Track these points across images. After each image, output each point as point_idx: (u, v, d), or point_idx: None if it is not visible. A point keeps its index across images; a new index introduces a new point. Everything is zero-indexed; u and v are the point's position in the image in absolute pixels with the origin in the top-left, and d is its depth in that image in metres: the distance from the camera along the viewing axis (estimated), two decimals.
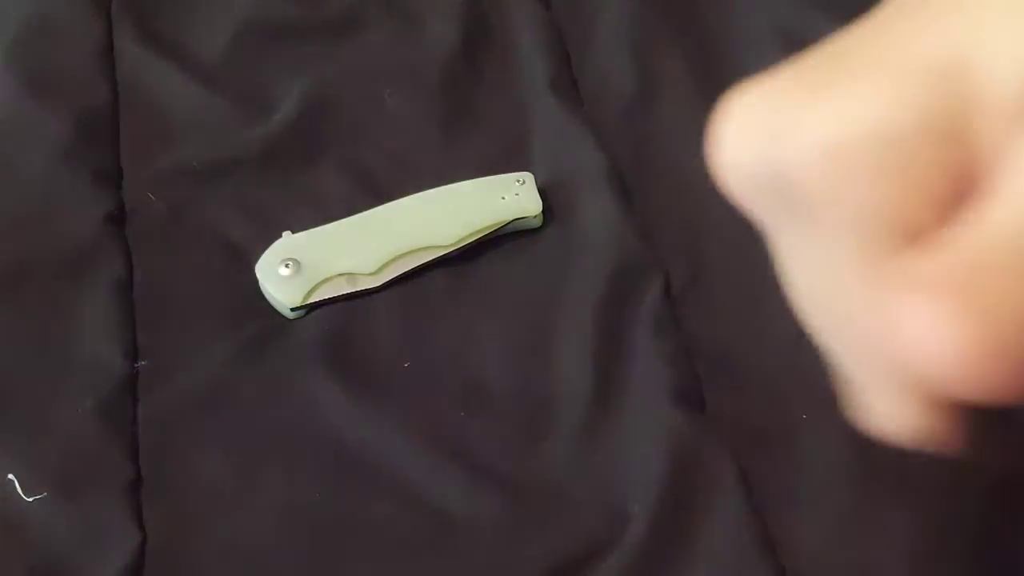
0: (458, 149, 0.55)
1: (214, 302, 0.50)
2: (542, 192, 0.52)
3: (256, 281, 0.50)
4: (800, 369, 0.47)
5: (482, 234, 0.50)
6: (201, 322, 0.49)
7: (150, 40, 0.59)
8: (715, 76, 0.57)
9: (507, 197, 0.51)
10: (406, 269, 0.50)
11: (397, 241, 0.50)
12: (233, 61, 0.58)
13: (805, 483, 0.44)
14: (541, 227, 0.52)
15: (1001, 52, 0.20)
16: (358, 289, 0.49)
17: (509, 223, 0.51)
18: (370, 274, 0.49)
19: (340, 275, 0.49)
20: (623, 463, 0.45)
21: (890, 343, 0.20)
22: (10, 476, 0.44)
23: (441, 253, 0.50)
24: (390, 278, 0.50)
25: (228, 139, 0.55)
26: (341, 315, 0.49)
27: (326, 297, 0.49)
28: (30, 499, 0.44)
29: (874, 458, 0.44)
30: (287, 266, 0.49)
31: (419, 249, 0.50)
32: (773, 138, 0.22)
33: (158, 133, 0.56)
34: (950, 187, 0.21)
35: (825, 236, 0.22)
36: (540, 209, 0.51)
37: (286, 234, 0.50)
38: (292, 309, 0.49)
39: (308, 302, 0.49)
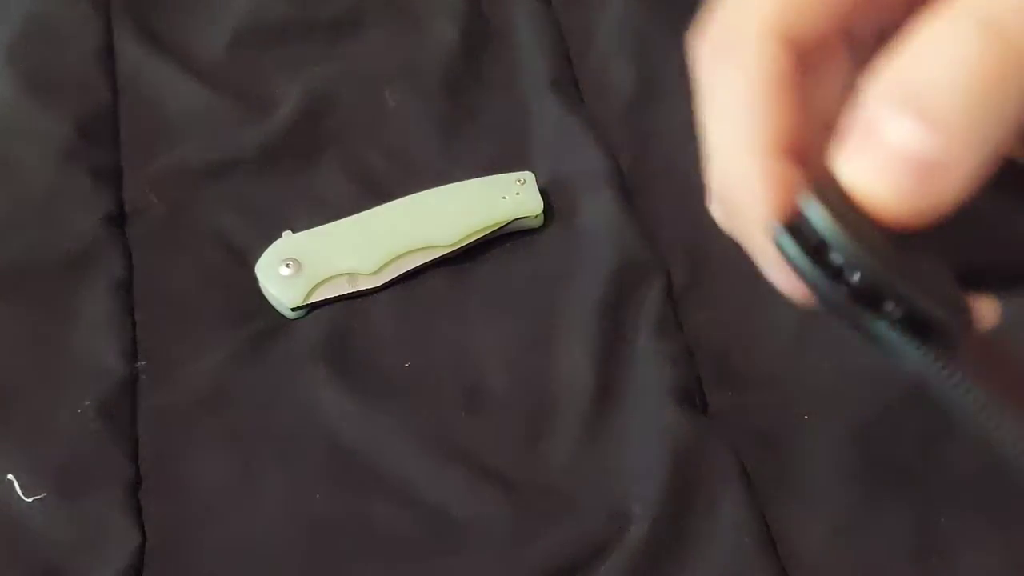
0: (458, 149, 0.55)
1: (214, 302, 0.50)
2: (542, 192, 0.51)
3: (256, 281, 0.50)
4: (800, 369, 0.47)
5: (482, 234, 0.50)
6: (201, 322, 0.49)
7: (150, 40, 0.59)
8: None
9: (507, 197, 0.51)
10: (406, 269, 0.50)
11: (397, 241, 0.50)
12: (233, 61, 0.58)
13: (806, 483, 0.44)
14: (541, 227, 0.52)
15: None
16: (358, 289, 0.49)
17: (509, 223, 0.51)
18: (370, 274, 0.49)
19: (340, 275, 0.49)
20: (624, 463, 0.45)
21: None
22: (9, 477, 0.44)
23: (441, 253, 0.50)
24: (390, 278, 0.50)
25: (228, 139, 0.55)
26: (341, 315, 0.49)
27: (326, 297, 0.49)
28: (29, 500, 0.43)
29: (875, 457, 0.44)
30: (287, 266, 0.49)
31: (419, 249, 0.50)
32: None
33: (158, 133, 0.56)
34: None
35: None
36: (540, 209, 0.51)
37: (286, 234, 0.50)
38: (292, 309, 0.49)
39: (308, 302, 0.49)
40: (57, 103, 0.55)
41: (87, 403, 0.46)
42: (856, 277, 0.22)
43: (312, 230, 0.50)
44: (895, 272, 0.22)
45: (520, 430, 0.46)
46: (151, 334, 0.49)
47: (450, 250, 0.50)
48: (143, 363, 0.48)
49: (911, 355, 0.22)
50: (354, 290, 0.49)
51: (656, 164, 0.54)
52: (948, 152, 0.21)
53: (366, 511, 0.44)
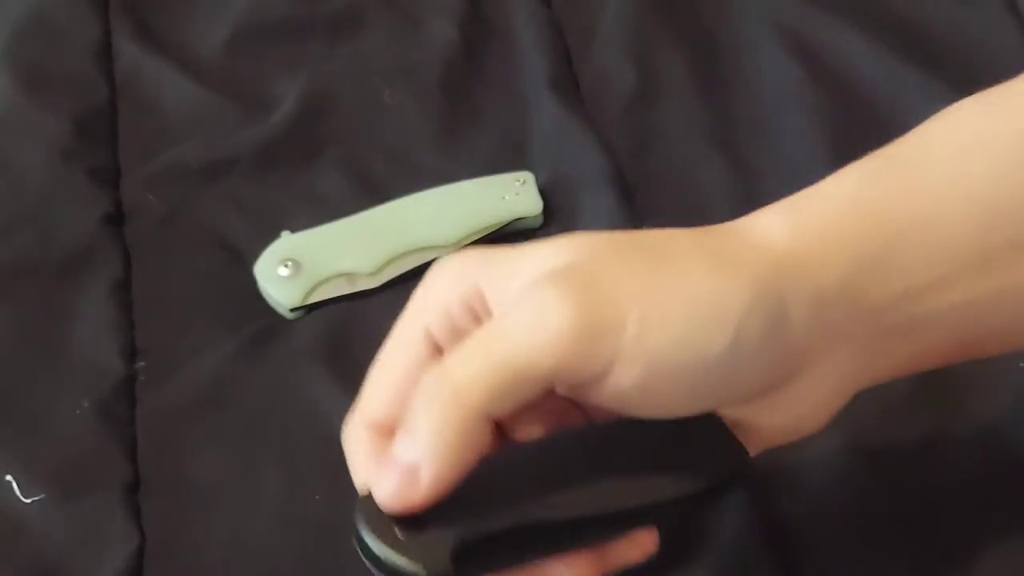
0: (458, 149, 0.55)
1: (213, 302, 0.50)
2: (542, 192, 0.51)
3: (256, 281, 0.50)
4: None
5: (482, 234, 0.50)
6: (200, 322, 0.49)
7: (148, 39, 0.59)
8: (715, 76, 0.57)
9: (507, 197, 0.51)
10: (406, 269, 0.50)
11: (397, 241, 0.50)
12: (231, 60, 0.58)
13: (808, 483, 0.44)
14: (541, 227, 0.51)
15: None
16: (358, 289, 0.49)
17: (509, 223, 0.51)
18: (370, 274, 0.49)
19: (340, 275, 0.49)
20: None
21: None
22: (8, 477, 0.44)
23: (441, 253, 0.50)
24: (389, 278, 0.49)
25: (227, 138, 0.55)
26: (341, 315, 0.49)
27: (326, 297, 0.49)
28: (29, 500, 0.43)
29: (876, 458, 0.44)
30: (286, 266, 0.49)
31: (419, 249, 0.50)
32: None
33: (156, 132, 0.55)
34: None
35: None
36: (540, 209, 0.51)
37: (285, 234, 0.50)
38: (292, 309, 0.49)
39: (308, 302, 0.49)
40: (55, 102, 0.55)
41: (86, 404, 0.46)
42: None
43: (311, 230, 0.50)
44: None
45: None
46: (150, 334, 0.49)
47: (450, 250, 0.50)
48: (142, 363, 0.48)
49: None
50: (353, 290, 0.49)
51: (655, 164, 0.54)
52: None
53: None
